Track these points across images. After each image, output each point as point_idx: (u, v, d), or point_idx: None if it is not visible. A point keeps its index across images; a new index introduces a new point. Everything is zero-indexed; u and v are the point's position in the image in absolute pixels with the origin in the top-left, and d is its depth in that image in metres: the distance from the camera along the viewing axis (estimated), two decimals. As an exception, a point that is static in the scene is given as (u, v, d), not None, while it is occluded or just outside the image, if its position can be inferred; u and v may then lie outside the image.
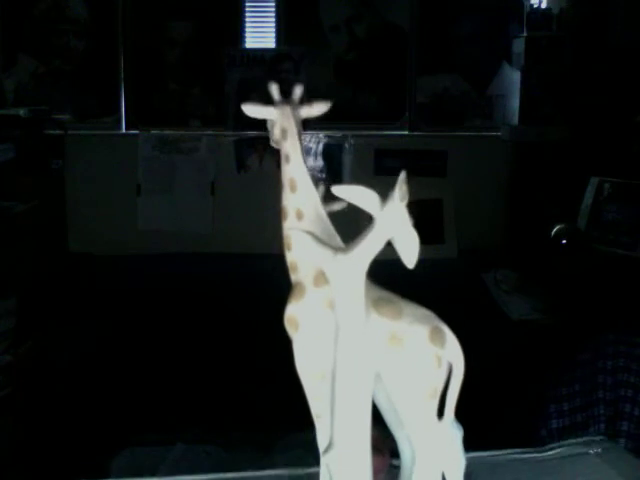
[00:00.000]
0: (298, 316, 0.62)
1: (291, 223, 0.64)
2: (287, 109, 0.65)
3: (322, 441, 0.62)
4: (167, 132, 4.22)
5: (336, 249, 0.55)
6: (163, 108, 4.25)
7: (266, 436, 2.11)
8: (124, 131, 4.25)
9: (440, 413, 0.58)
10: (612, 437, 1.05)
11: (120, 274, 3.75)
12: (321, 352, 0.60)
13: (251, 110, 0.65)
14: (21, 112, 3.39)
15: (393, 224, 0.53)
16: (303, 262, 0.63)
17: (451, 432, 0.57)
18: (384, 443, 0.70)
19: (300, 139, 0.64)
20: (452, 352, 0.57)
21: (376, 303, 0.58)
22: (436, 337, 0.56)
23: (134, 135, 4.22)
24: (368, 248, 0.54)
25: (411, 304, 0.58)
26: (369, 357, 0.57)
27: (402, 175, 0.53)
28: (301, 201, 0.64)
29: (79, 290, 3.36)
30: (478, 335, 3.01)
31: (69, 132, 3.90)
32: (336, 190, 0.55)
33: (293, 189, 0.64)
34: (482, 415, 2.33)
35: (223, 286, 3.52)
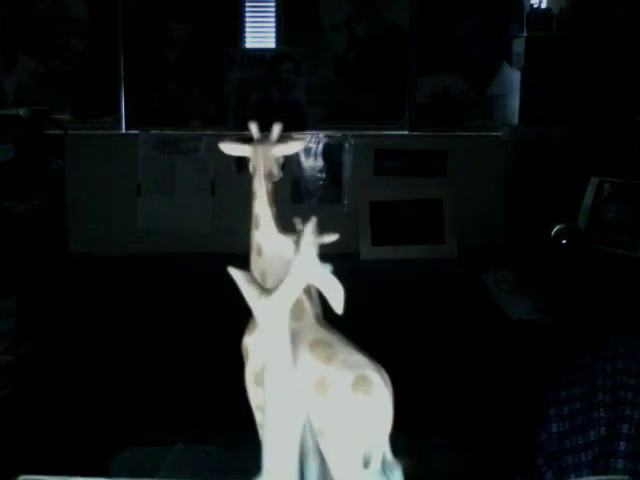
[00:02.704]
0: (249, 347, 0.65)
1: (252, 258, 0.68)
2: (258, 148, 0.67)
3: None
4: (167, 132, 4.22)
5: (262, 291, 0.57)
6: (163, 108, 4.25)
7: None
8: (124, 131, 4.24)
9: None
10: (612, 440, 1.05)
11: (120, 274, 3.75)
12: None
13: (227, 148, 0.69)
14: (21, 112, 3.38)
15: (305, 270, 0.55)
16: None
17: None
18: None
19: (268, 178, 0.66)
20: (378, 401, 0.54)
21: (313, 344, 0.58)
22: (360, 385, 0.54)
23: (134, 135, 4.22)
24: (286, 292, 0.56)
25: (348, 349, 0.56)
26: (295, 397, 0.57)
27: (311, 224, 0.54)
28: (262, 238, 0.67)
29: (79, 290, 3.36)
30: (478, 335, 3.02)
31: (69, 132, 3.89)
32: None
33: (256, 226, 0.68)
34: (481, 415, 2.33)
35: (223, 286, 3.51)
